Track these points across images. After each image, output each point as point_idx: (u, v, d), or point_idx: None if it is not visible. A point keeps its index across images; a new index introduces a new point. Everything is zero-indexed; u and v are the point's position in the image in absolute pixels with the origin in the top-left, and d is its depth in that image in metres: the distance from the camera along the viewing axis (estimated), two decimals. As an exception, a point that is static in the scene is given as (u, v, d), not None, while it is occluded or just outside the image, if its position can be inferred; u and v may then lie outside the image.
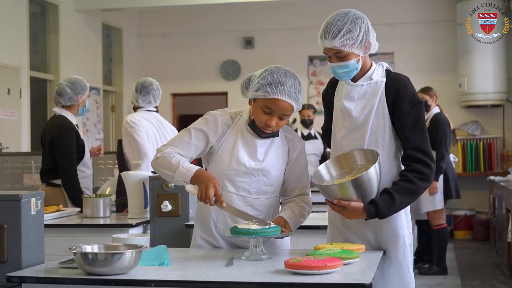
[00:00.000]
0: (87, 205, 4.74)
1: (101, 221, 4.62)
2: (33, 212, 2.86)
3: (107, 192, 5.36)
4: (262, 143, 3.20)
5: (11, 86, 8.86)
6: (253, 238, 2.93)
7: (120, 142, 5.40)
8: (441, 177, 7.42)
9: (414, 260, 8.16)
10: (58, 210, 4.80)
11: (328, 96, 3.25)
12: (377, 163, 2.88)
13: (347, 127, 3.10)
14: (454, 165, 7.89)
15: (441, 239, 7.65)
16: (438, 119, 7.47)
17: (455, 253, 9.30)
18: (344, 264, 2.69)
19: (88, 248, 2.69)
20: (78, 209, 4.98)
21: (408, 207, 3.14)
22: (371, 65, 3.10)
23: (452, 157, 7.84)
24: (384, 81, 3.06)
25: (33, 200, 2.86)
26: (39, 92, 9.57)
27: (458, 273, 7.81)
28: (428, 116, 7.63)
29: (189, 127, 3.22)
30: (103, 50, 11.37)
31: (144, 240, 3.10)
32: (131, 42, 12.23)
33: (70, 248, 2.64)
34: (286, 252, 3.17)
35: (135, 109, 5.52)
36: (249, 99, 3.19)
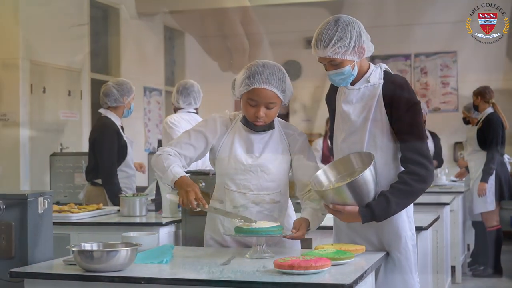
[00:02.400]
0: (124, 204, 4.86)
1: (137, 220, 4.73)
2: (40, 211, 2.99)
3: (155, 192, 5.48)
4: (259, 139, 3.27)
5: (72, 88, 9.11)
6: (255, 237, 2.98)
7: (160, 143, 5.52)
8: (493, 178, 7.28)
9: (469, 262, 8.03)
10: (97, 209, 4.95)
11: (331, 100, 3.28)
12: (371, 165, 2.88)
13: (346, 130, 3.11)
14: (509, 166, 7.72)
15: (495, 241, 7.48)
16: (491, 119, 7.33)
17: (516, 256, 9.08)
18: (336, 265, 2.71)
19: (87, 246, 2.80)
20: (118, 208, 5.10)
21: (411, 208, 3.13)
22: (369, 67, 3.10)
23: (507, 157, 7.66)
24: (382, 84, 3.06)
25: (40, 199, 2.98)
26: (100, 93, 9.80)
27: (514, 276, 7.64)
28: (481, 116, 7.50)
29: (190, 128, 3.34)
30: (166, 52, 11.56)
31: (152, 239, 3.18)
32: (194, 44, 12.39)
33: (69, 246, 2.75)
34: (291, 252, 3.19)
35: (176, 110, 5.63)
36: (239, 99, 3.27)
